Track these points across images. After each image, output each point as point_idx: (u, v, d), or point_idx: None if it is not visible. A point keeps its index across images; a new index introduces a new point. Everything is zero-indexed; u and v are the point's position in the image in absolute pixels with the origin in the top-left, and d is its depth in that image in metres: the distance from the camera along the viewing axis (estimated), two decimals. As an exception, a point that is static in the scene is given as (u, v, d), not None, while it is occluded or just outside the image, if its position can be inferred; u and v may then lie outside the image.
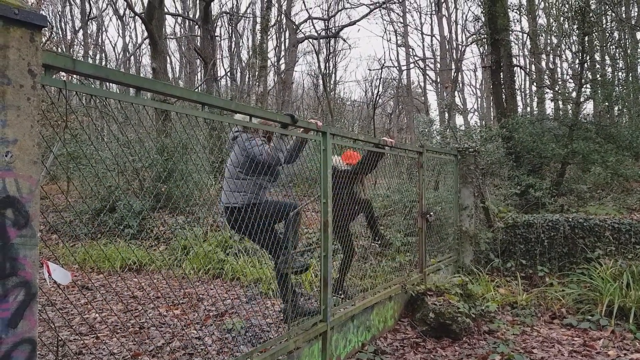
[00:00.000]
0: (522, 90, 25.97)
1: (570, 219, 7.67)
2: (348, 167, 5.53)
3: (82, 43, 27.19)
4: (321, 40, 25.04)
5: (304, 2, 34.19)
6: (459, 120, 25.60)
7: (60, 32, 28.02)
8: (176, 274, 8.24)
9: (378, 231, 6.00)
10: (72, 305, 6.27)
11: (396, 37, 30.89)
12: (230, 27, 28.03)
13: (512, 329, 5.52)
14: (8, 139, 1.80)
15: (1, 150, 1.78)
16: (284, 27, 24.70)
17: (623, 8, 17.23)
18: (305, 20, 24.51)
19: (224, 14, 27.34)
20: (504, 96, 12.66)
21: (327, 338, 4.24)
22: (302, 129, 4.18)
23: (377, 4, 25.28)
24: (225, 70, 28.24)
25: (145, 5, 16.20)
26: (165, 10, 18.62)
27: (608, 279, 6.27)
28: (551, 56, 23.12)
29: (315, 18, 26.05)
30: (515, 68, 17.06)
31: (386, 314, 5.52)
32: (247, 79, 26.28)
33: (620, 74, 14.80)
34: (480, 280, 6.96)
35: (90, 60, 27.73)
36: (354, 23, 23.26)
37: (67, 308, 6.39)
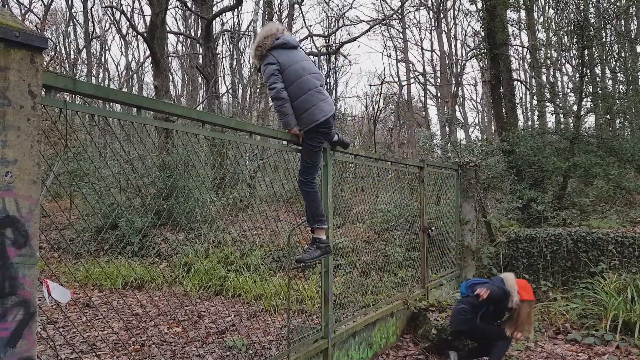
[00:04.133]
0: (523, 104, 26.01)
1: (573, 233, 7.64)
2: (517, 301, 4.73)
3: (86, 62, 27.43)
4: (322, 57, 25.23)
5: (304, 20, 34.55)
6: (460, 134, 25.66)
7: (64, 51, 28.28)
8: (177, 291, 8.21)
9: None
10: (72, 324, 6.24)
11: (396, 53, 31.04)
12: (231, 45, 28.28)
13: (516, 344, 5.47)
14: (8, 159, 1.82)
15: (1, 170, 1.80)
16: (285, 44, 24.86)
17: (622, 22, 17.34)
18: (305, 37, 24.67)
19: (226, 32, 27.60)
20: (504, 110, 12.69)
21: (328, 355, 4.21)
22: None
23: (377, 21, 25.49)
24: (227, 87, 28.44)
25: (148, 24, 16.37)
26: (167, 29, 18.83)
27: (612, 293, 6.22)
28: (551, 70, 23.20)
29: (316, 35, 26.23)
30: (515, 82, 17.14)
31: (388, 330, 5.49)
32: (248, 96, 26.43)
33: (620, 87, 14.83)
34: (483, 295, 6.91)
35: (93, 79, 27.96)
36: (354, 39, 23.38)
37: (68, 326, 6.36)
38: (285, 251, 8.90)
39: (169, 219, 10.81)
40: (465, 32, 32.96)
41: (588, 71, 12.50)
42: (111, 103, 2.85)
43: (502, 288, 4.65)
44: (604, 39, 13.79)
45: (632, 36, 16.81)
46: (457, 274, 7.91)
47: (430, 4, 26.97)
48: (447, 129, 21.15)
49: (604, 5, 12.71)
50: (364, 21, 37.39)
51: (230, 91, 27.50)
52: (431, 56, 30.46)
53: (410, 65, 30.41)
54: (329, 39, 26.48)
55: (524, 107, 26.04)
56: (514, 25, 15.20)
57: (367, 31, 24.33)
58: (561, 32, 14.63)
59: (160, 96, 13.84)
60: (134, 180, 11.57)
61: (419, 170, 6.76)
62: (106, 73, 32.37)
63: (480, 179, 8.61)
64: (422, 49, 31.28)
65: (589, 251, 7.42)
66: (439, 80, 28.49)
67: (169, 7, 17.13)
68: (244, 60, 29.44)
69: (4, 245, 1.81)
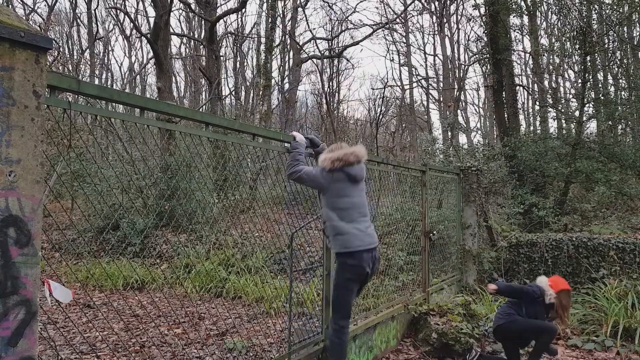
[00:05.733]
0: (525, 109, 26.02)
1: (574, 239, 7.63)
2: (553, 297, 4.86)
3: (89, 63, 27.48)
4: (325, 60, 25.28)
5: (307, 23, 34.62)
6: (462, 138, 25.69)
7: (68, 52, 28.35)
8: (178, 292, 8.21)
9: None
10: (73, 324, 6.24)
11: (399, 57, 31.07)
12: (235, 47, 28.31)
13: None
14: (12, 158, 1.82)
15: (5, 170, 1.80)
16: (288, 47, 24.94)
17: (625, 28, 17.35)
18: (309, 41, 24.78)
19: (229, 35, 27.64)
20: (506, 115, 12.70)
21: (328, 358, 4.20)
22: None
23: (380, 25, 25.55)
24: (230, 89, 28.48)
25: (151, 25, 16.44)
26: (171, 30, 18.86)
27: (613, 299, 6.21)
28: (554, 75, 23.21)
29: (319, 38, 26.33)
30: (518, 87, 17.14)
31: (389, 334, 5.48)
32: (251, 98, 26.45)
33: (622, 93, 14.83)
34: (484, 300, 6.91)
35: (96, 80, 28.00)
36: (357, 43, 23.46)
37: (68, 326, 6.36)
38: (286, 254, 8.90)
39: (171, 220, 10.83)
40: (468, 37, 33.00)
41: (590, 77, 12.51)
42: (114, 104, 2.86)
43: (534, 287, 4.93)
44: (606, 45, 13.79)
45: (635, 43, 16.80)
46: (458, 278, 7.90)
47: (433, 9, 27.01)
48: (449, 133, 21.13)
49: (607, 11, 12.71)
50: (367, 25, 37.39)
51: (233, 93, 27.55)
52: (434, 60, 30.60)
53: (413, 69, 30.44)
54: (332, 43, 26.54)
55: (526, 113, 26.06)
56: (517, 30, 15.26)
57: (370, 35, 24.40)
58: (564, 38, 14.65)
59: (163, 97, 13.86)
60: (136, 181, 11.59)
61: (421, 174, 6.76)
62: (109, 74, 32.47)
63: (482, 183, 8.61)
64: (425, 53, 31.39)
65: (590, 257, 7.41)
66: (441, 84, 28.49)
67: (172, 9, 17.17)
68: (247, 62, 29.53)
69: (6, 245, 1.81)
